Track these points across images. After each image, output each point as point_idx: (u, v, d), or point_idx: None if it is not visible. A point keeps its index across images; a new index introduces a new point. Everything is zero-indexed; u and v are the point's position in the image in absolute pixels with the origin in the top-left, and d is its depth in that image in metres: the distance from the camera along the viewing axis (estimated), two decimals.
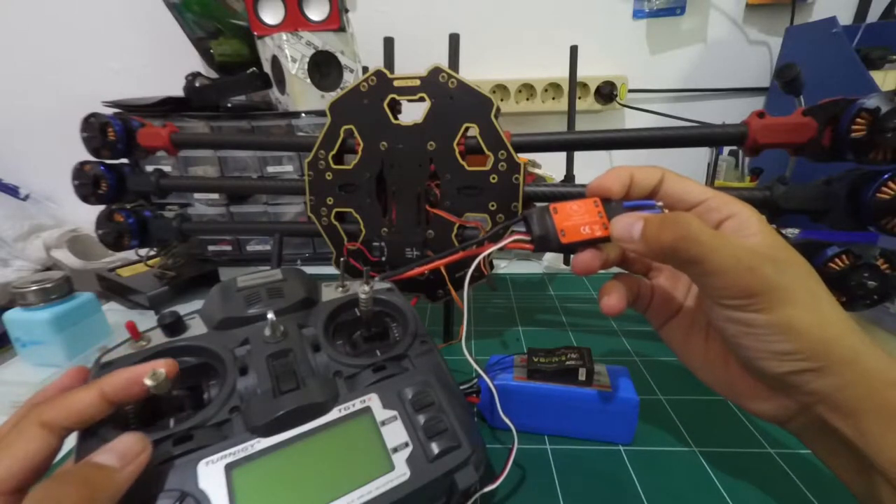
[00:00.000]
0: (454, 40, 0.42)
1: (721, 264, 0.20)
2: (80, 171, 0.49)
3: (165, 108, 0.62)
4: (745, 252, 0.20)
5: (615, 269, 0.27)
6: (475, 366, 0.27)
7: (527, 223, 0.24)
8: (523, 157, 0.37)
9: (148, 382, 0.21)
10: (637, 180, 0.24)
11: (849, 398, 0.19)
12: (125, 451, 0.18)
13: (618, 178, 0.24)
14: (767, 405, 0.23)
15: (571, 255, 0.25)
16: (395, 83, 0.38)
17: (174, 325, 0.26)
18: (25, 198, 0.79)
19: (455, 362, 0.42)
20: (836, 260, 0.32)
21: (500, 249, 0.25)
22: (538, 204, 0.39)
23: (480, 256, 0.26)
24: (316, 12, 0.62)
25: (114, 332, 0.48)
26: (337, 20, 0.62)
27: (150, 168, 0.51)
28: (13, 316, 0.42)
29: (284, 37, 0.60)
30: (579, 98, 0.77)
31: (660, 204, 0.24)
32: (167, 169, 0.62)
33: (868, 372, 0.19)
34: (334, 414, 0.23)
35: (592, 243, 0.24)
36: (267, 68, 0.66)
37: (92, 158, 0.49)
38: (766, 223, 0.21)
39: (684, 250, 0.20)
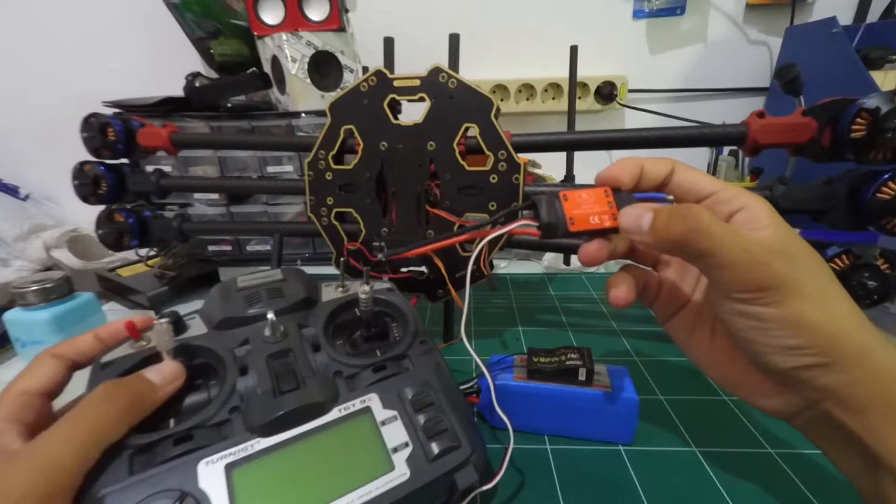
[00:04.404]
0: (454, 40, 0.42)
1: (731, 258, 0.19)
2: (80, 171, 0.49)
3: (165, 108, 0.62)
4: (755, 245, 0.20)
5: (614, 267, 0.27)
6: (476, 358, 0.27)
7: (535, 209, 0.23)
8: (523, 157, 0.37)
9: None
10: (647, 171, 0.23)
11: (857, 394, 0.19)
12: (167, 374, 0.23)
13: (628, 168, 0.23)
14: (773, 401, 0.23)
15: (577, 249, 0.24)
16: (395, 83, 0.38)
17: (174, 325, 0.26)
18: (25, 198, 0.79)
19: (455, 362, 0.42)
20: (836, 260, 0.32)
21: (507, 234, 0.24)
22: (546, 190, 0.39)
23: (486, 239, 0.25)
24: (316, 12, 0.62)
25: None
26: (337, 20, 0.62)
27: (150, 168, 0.51)
28: (13, 316, 0.42)
29: (284, 37, 0.60)
30: (579, 98, 0.77)
31: (670, 198, 0.23)
32: (167, 169, 0.62)
33: (878, 368, 0.19)
34: (334, 414, 0.23)
35: (600, 234, 0.23)
36: (267, 68, 0.66)
37: (92, 158, 0.49)
38: (777, 216, 0.21)
39: (694, 243, 0.20)
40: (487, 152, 0.37)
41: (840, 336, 0.19)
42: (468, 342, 0.26)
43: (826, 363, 0.19)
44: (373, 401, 0.24)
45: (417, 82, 0.37)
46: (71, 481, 0.18)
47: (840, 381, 0.19)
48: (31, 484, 0.17)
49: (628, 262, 0.27)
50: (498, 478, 0.25)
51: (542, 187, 0.38)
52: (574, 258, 0.61)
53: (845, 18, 0.72)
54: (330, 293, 0.31)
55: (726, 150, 0.75)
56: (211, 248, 0.68)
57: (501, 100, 0.78)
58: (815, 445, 0.23)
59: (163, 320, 0.23)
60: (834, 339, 0.19)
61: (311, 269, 0.52)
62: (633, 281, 0.25)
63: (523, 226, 0.24)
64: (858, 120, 0.29)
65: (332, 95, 0.47)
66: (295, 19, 0.61)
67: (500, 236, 0.25)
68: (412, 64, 0.43)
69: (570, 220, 0.23)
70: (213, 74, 0.71)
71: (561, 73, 0.67)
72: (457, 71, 0.38)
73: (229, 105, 0.65)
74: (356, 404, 0.23)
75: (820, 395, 0.20)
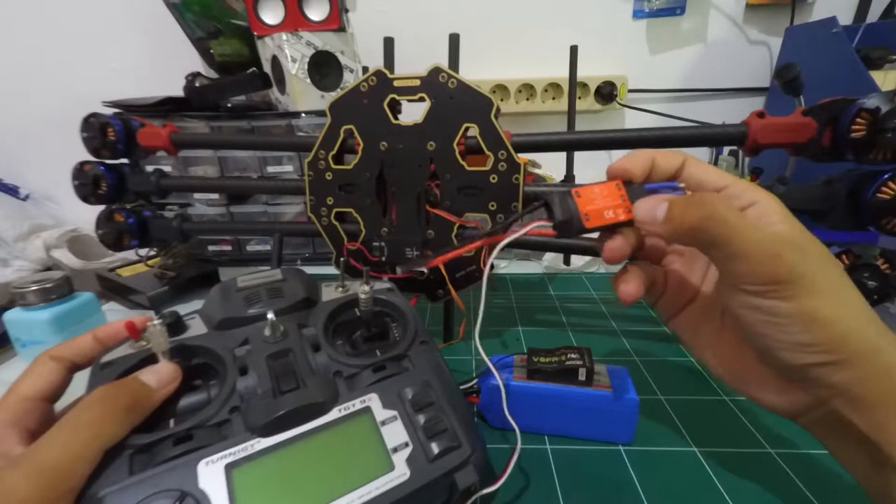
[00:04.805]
0: (454, 40, 0.42)
1: (746, 248, 0.19)
2: (80, 171, 0.49)
3: (165, 108, 0.62)
4: (771, 237, 0.19)
5: (614, 266, 0.27)
6: (487, 360, 0.27)
7: (548, 208, 0.23)
8: (523, 157, 0.37)
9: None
10: (658, 164, 0.23)
11: (868, 392, 0.19)
12: (163, 377, 0.23)
13: (640, 161, 0.23)
14: (781, 398, 0.22)
15: (578, 249, 0.24)
16: (395, 83, 0.38)
17: (174, 325, 0.26)
18: (25, 198, 0.79)
19: (455, 362, 0.42)
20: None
21: (522, 236, 0.24)
22: (557, 189, 0.39)
23: (502, 244, 0.25)
24: (316, 12, 0.62)
25: None
26: (337, 20, 0.62)
27: (150, 168, 0.51)
28: (13, 316, 0.42)
29: (284, 37, 0.60)
30: (579, 98, 0.77)
31: (682, 185, 0.23)
32: (167, 169, 0.62)
33: (889, 366, 0.19)
34: (334, 414, 0.23)
35: (614, 228, 0.23)
36: (267, 68, 0.66)
37: (92, 158, 0.49)
38: (788, 212, 0.21)
39: (709, 230, 0.20)
40: (487, 152, 0.37)
41: (853, 333, 0.19)
42: (481, 348, 0.26)
43: (838, 360, 0.19)
44: (373, 401, 0.24)
45: (417, 82, 0.37)
46: (71, 485, 0.18)
47: (850, 379, 0.19)
48: (32, 489, 0.17)
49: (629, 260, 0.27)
50: (503, 479, 0.25)
51: (542, 187, 0.38)
52: (574, 258, 0.61)
53: (845, 18, 0.72)
54: (330, 293, 0.31)
55: (726, 150, 0.75)
56: (211, 248, 0.68)
57: (501, 100, 0.78)
58: (821, 443, 0.22)
59: (156, 321, 0.23)
60: (846, 335, 0.19)
61: (311, 269, 0.52)
62: (642, 275, 0.25)
63: (538, 226, 0.23)
64: (858, 120, 0.29)
65: (332, 95, 0.47)
66: (295, 19, 0.61)
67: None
68: (412, 64, 0.43)
69: (584, 217, 0.22)
70: (213, 74, 0.71)
71: (561, 73, 0.67)
72: (457, 71, 0.38)
73: (229, 105, 0.65)
74: (356, 404, 0.23)
75: (829, 392, 0.20)
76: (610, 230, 0.23)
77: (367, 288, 0.28)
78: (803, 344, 0.19)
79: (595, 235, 0.24)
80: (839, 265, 0.21)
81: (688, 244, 0.22)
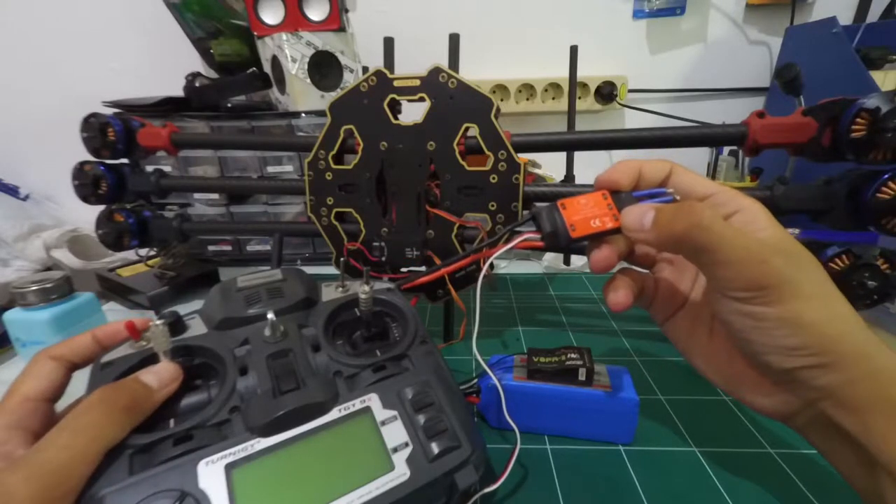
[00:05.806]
0: (454, 40, 0.42)
1: (733, 254, 0.19)
2: (80, 171, 0.49)
3: (165, 108, 0.62)
4: (756, 244, 0.20)
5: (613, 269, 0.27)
6: (484, 366, 0.27)
7: (536, 221, 0.24)
8: (523, 157, 0.37)
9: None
10: (645, 173, 0.24)
11: (856, 394, 0.19)
12: (164, 377, 0.23)
13: (627, 170, 0.24)
14: (771, 401, 0.23)
15: (578, 250, 0.25)
16: (395, 83, 0.38)
17: (174, 325, 0.26)
18: (25, 198, 0.79)
19: (455, 362, 0.42)
20: (836, 260, 0.32)
21: (512, 249, 0.25)
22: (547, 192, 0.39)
23: (492, 257, 0.26)
24: (316, 12, 0.62)
25: None
26: (337, 20, 0.62)
27: (150, 168, 0.51)
28: (13, 316, 0.42)
29: (284, 37, 0.60)
30: (579, 98, 0.77)
31: (671, 191, 0.23)
32: (167, 169, 0.62)
33: (876, 368, 0.19)
34: (334, 414, 0.23)
35: (603, 236, 0.23)
36: (267, 68, 0.66)
37: (92, 158, 0.49)
38: (773, 218, 0.21)
39: (696, 238, 0.20)
40: (487, 152, 0.37)
41: (839, 336, 0.19)
42: (477, 351, 0.26)
43: (824, 363, 0.19)
44: (373, 401, 0.24)
45: (417, 82, 0.37)
46: (71, 487, 0.18)
47: (838, 381, 0.19)
48: (32, 491, 0.17)
49: (624, 265, 0.27)
50: (502, 479, 0.25)
51: (542, 188, 0.38)
52: (574, 258, 0.61)
53: (845, 18, 0.72)
54: (330, 293, 0.31)
55: (726, 150, 0.75)
56: (211, 248, 0.68)
57: (501, 100, 0.78)
58: (813, 446, 0.23)
59: (158, 321, 0.23)
60: (833, 339, 0.19)
61: (311, 269, 0.52)
62: (632, 284, 0.25)
63: (527, 239, 0.24)
64: (858, 120, 0.29)
65: (332, 95, 0.47)
66: (295, 19, 0.61)
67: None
68: (412, 64, 0.43)
69: (570, 227, 0.23)
70: (213, 74, 0.71)
71: (561, 73, 0.67)
72: (457, 71, 0.38)
73: (229, 105, 0.65)
74: (356, 404, 0.23)
75: (818, 395, 0.20)
76: (598, 238, 0.24)
77: (367, 288, 0.28)
78: (791, 348, 0.20)
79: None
80: (824, 271, 0.21)
81: (675, 252, 0.22)
